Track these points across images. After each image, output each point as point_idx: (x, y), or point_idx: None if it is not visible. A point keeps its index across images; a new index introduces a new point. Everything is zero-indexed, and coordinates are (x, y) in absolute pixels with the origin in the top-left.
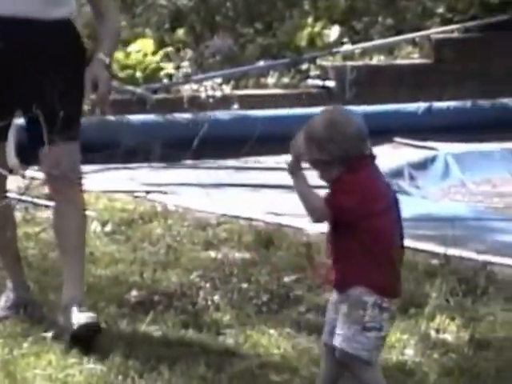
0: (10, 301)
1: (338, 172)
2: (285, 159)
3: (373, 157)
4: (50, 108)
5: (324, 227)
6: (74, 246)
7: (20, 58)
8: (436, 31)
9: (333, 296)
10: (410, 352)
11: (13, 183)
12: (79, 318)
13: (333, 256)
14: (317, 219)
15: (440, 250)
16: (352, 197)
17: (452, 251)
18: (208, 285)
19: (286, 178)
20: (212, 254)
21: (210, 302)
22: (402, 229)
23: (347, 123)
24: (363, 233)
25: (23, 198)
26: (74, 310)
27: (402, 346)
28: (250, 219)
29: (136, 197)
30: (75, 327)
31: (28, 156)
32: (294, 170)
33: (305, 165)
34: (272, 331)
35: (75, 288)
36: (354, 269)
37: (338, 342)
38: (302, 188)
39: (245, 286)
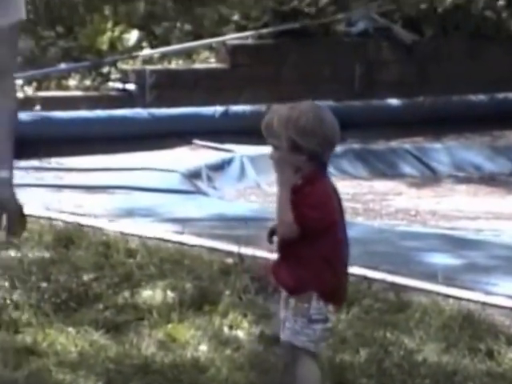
0: None
1: (299, 162)
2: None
3: (325, 166)
4: None
5: (121, 227)
6: None
7: None
8: (231, 37)
9: (282, 293)
10: (203, 348)
11: None
12: None
13: (284, 256)
14: (285, 233)
15: (234, 248)
16: (315, 210)
17: (246, 250)
18: (7, 283)
19: (88, 179)
20: (12, 253)
21: (8, 301)
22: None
23: (331, 125)
24: (323, 239)
25: None
26: None
27: (197, 342)
28: (51, 219)
29: None
30: None
31: None
32: (285, 181)
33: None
34: (70, 329)
35: None
36: (304, 270)
37: (286, 335)
38: (284, 200)
39: (44, 284)
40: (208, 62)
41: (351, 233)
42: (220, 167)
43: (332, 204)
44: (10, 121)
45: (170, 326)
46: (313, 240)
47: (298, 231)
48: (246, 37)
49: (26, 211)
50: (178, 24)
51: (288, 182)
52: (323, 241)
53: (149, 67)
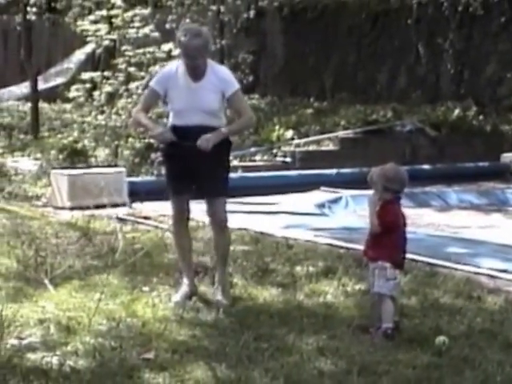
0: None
1: (385, 195)
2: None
3: (400, 197)
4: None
5: (284, 233)
6: (223, 258)
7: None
8: (341, 133)
9: (370, 267)
10: (329, 296)
11: (125, 210)
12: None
13: (371, 243)
14: (374, 230)
15: (344, 244)
16: (392, 217)
17: (351, 245)
18: None
19: (265, 208)
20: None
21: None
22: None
23: (403, 176)
24: (393, 234)
25: (132, 218)
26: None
27: (325, 293)
28: (246, 229)
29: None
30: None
31: (135, 197)
32: (375, 204)
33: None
34: (259, 287)
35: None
36: (383, 251)
37: (376, 288)
38: (374, 213)
39: (244, 263)
40: (328, 146)
41: None
42: (335, 201)
43: (399, 216)
44: None
45: (311, 285)
46: (388, 234)
47: (380, 229)
48: (348, 133)
49: (236, 227)
50: (313, 126)
51: (376, 204)
52: (394, 235)
53: (297, 149)
